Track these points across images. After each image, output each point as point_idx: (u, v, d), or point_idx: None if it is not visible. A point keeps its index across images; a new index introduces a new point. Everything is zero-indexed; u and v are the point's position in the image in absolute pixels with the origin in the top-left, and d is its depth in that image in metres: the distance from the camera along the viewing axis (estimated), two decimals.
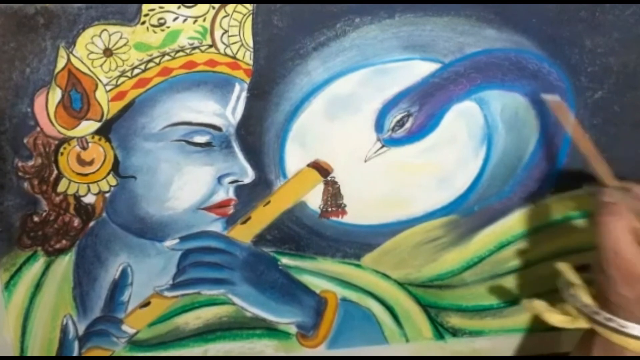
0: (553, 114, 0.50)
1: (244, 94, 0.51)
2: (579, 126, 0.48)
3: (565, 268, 0.48)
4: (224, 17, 0.49)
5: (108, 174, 0.52)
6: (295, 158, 0.52)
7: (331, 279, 0.55)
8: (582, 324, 0.46)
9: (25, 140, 0.50)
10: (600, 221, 0.44)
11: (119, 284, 0.54)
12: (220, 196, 0.53)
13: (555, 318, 0.47)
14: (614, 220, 0.43)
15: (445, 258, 0.55)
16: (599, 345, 0.46)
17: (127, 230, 0.53)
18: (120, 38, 0.49)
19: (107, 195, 0.52)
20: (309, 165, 0.53)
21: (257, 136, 0.52)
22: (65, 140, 0.51)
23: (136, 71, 0.50)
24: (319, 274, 0.55)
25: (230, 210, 0.53)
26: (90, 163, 0.51)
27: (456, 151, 0.53)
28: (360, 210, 0.54)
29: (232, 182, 0.52)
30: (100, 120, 0.50)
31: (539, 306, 0.48)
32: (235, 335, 0.56)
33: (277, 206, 0.53)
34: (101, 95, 0.50)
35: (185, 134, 0.51)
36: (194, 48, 0.50)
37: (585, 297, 0.46)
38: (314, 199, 0.53)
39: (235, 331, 0.56)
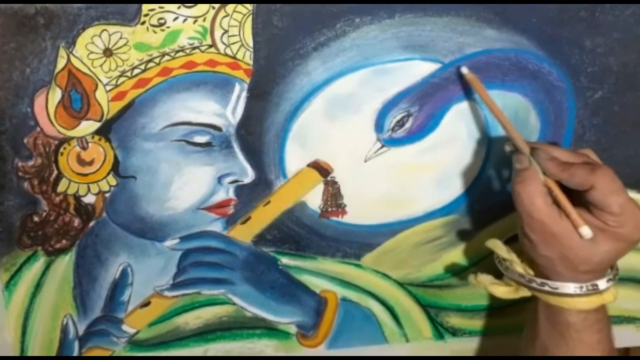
0: (469, 85, 0.50)
1: (244, 94, 0.51)
2: (491, 97, 0.49)
3: (495, 244, 0.50)
4: (224, 17, 0.49)
5: (108, 174, 0.52)
6: (295, 158, 0.52)
7: (331, 278, 0.56)
8: (525, 292, 0.48)
9: (25, 140, 0.50)
10: (514, 189, 0.45)
11: (119, 284, 0.54)
12: (220, 196, 0.53)
13: (499, 290, 0.49)
14: (524, 186, 0.45)
15: (445, 258, 0.55)
16: (542, 311, 0.48)
17: (127, 230, 0.53)
18: (120, 38, 0.49)
19: (107, 195, 0.52)
20: (309, 165, 0.53)
21: (257, 136, 0.52)
22: (65, 140, 0.51)
23: (136, 71, 0.50)
24: (319, 273, 0.55)
25: (230, 210, 0.53)
26: (90, 163, 0.51)
27: (456, 151, 0.53)
28: (360, 210, 0.54)
29: (232, 182, 0.52)
30: (100, 121, 0.50)
31: (484, 280, 0.50)
32: (235, 335, 0.56)
33: (277, 206, 0.53)
34: (101, 96, 0.50)
35: (185, 134, 0.51)
36: (194, 48, 0.50)
37: (518, 268, 0.48)
38: (314, 199, 0.53)
39: (235, 331, 0.56)
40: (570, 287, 0.45)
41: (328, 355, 0.56)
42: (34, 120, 0.50)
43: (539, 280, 0.47)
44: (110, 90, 0.50)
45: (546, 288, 0.46)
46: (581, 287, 0.45)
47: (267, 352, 0.56)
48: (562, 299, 0.46)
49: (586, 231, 0.43)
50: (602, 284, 0.45)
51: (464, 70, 0.50)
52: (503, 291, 0.49)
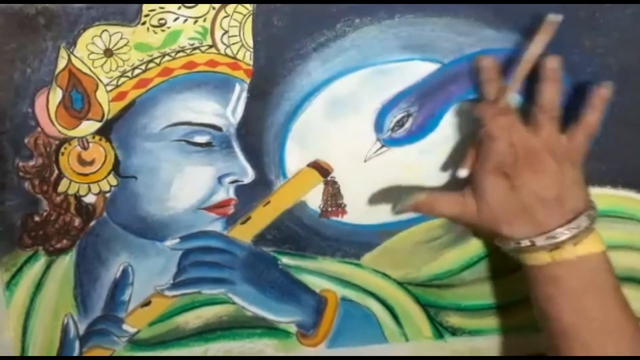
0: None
1: (244, 94, 0.51)
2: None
3: None
4: (224, 17, 0.49)
5: (109, 174, 0.52)
6: (295, 158, 0.53)
7: (331, 278, 0.56)
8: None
9: (26, 140, 0.50)
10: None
11: (120, 284, 0.54)
12: (220, 196, 0.53)
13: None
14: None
15: (445, 258, 0.55)
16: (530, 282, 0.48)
17: (128, 230, 0.53)
18: (121, 38, 0.49)
19: (108, 195, 0.52)
20: (309, 165, 0.53)
21: (257, 136, 0.52)
22: (66, 140, 0.51)
23: (137, 71, 0.50)
24: (319, 273, 0.55)
25: (231, 210, 0.53)
26: (91, 163, 0.51)
27: (456, 151, 0.53)
28: (360, 210, 0.54)
29: (232, 182, 0.53)
30: (100, 121, 0.50)
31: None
32: (235, 334, 0.56)
33: (277, 206, 0.53)
34: (102, 96, 0.50)
35: (185, 134, 0.51)
36: (195, 48, 0.50)
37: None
38: (314, 199, 0.54)
39: (235, 330, 0.56)
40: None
41: (328, 354, 0.56)
42: (35, 120, 0.50)
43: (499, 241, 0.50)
44: (110, 90, 0.50)
45: (504, 248, 0.49)
46: (518, 243, 0.47)
47: (267, 352, 0.56)
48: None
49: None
50: (539, 240, 0.46)
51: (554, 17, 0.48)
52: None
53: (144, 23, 0.49)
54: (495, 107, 0.48)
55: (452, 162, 0.53)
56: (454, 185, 0.54)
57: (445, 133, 0.53)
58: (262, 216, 0.54)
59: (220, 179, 0.52)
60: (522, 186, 0.47)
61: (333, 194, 0.54)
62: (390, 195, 0.54)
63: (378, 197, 0.54)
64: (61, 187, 0.52)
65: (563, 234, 0.46)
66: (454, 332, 0.57)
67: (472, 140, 0.50)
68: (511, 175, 0.47)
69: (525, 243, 0.47)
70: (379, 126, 0.52)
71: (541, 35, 0.48)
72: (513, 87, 0.49)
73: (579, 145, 0.48)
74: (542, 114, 0.48)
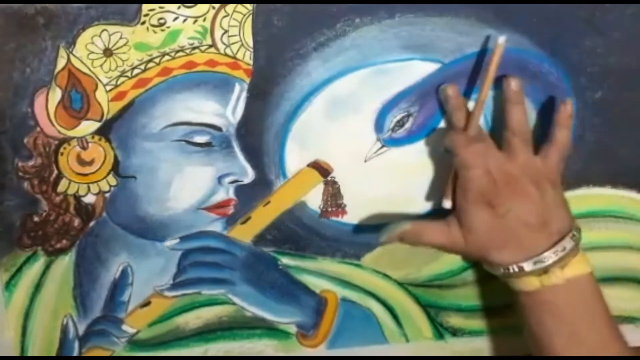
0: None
1: (244, 94, 0.51)
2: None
3: None
4: (224, 17, 0.49)
5: (108, 174, 0.52)
6: (295, 158, 0.52)
7: (331, 278, 0.56)
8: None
9: (25, 140, 0.50)
10: None
11: (119, 284, 0.54)
12: (220, 196, 0.53)
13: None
14: None
15: (445, 258, 0.55)
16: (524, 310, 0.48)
17: (128, 230, 0.53)
18: (120, 38, 0.49)
19: (107, 195, 0.52)
20: (309, 165, 0.53)
21: (257, 136, 0.52)
22: (65, 140, 0.51)
23: (136, 71, 0.50)
24: (319, 273, 0.55)
25: (230, 210, 0.53)
26: (90, 163, 0.51)
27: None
28: (360, 210, 0.54)
29: (232, 182, 0.53)
30: (100, 120, 0.50)
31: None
32: (235, 335, 0.56)
33: (277, 206, 0.53)
34: (101, 95, 0.50)
35: (185, 134, 0.51)
36: (194, 48, 0.50)
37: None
38: (314, 199, 0.53)
39: (235, 331, 0.56)
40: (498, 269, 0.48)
41: (328, 355, 0.56)
42: (34, 120, 0.50)
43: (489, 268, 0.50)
44: (110, 90, 0.50)
45: (495, 273, 0.49)
46: (507, 269, 0.47)
47: (267, 352, 0.56)
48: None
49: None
50: (527, 265, 0.46)
51: (501, 40, 0.48)
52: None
53: (143, 23, 0.49)
54: (466, 135, 0.48)
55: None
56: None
57: (446, 133, 0.53)
58: (262, 216, 0.53)
59: (220, 179, 0.52)
60: (506, 213, 0.47)
61: (333, 194, 0.53)
62: (391, 195, 0.54)
63: (378, 197, 0.54)
64: (60, 187, 0.52)
65: (550, 257, 0.46)
66: (455, 332, 0.57)
67: (449, 170, 0.50)
68: (494, 203, 0.47)
69: (514, 269, 0.47)
70: (379, 126, 0.52)
71: (495, 58, 0.48)
72: (474, 121, 0.48)
73: (555, 165, 0.48)
74: (515, 137, 0.48)
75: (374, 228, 0.54)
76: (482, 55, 0.51)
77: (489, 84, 0.48)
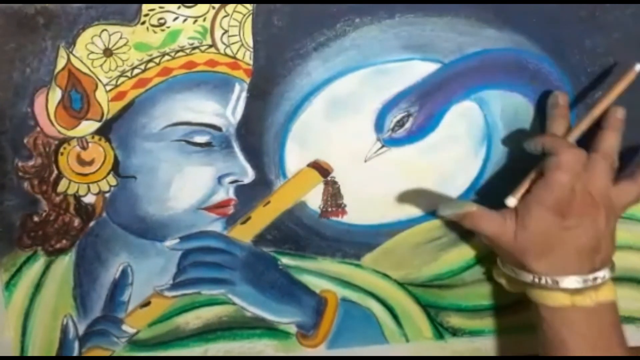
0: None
1: (244, 94, 0.51)
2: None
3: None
4: (224, 17, 0.49)
5: (108, 174, 0.52)
6: (295, 158, 0.52)
7: (331, 278, 0.56)
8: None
9: (25, 140, 0.50)
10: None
11: (119, 284, 0.54)
12: (220, 196, 0.53)
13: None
14: None
15: (445, 258, 0.55)
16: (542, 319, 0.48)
17: (128, 230, 0.53)
18: (120, 38, 0.49)
19: (107, 195, 0.52)
20: (309, 165, 0.53)
21: (257, 136, 0.52)
22: (65, 140, 0.51)
23: (136, 71, 0.50)
24: (319, 273, 0.55)
25: (230, 210, 0.53)
26: (90, 163, 0.51)
27: (456, 151, 0.53)
28: (360, 210, 0.54)
29: (232, 182, 0.53)
30: (100, 120, 0.50)
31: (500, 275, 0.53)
32: (235, 335, 0.56)
33: (277, 206, 0.53)
34: (101, 95, 0.50)
35: (185, 134, 0.51)
36: (194, 48, 0.50)
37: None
38: (314, 199, 0.53)
39: (235, 331, 0.56)
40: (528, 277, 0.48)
41: (328, 355, 0.56)
42: (34, 120, 0.50)
43: (516, 270, 0.49)
44: (110, 90, 0.50)
45: (520, 278, 0.49)
46: (539, 279, 0.47)
47: (267, 352, 0.56)
48: (534, 290, 0.48)
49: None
50: (563, 281, 0.46)
51: (637, 67, 0.48)
52: (504, 283, 0.52)
53: (143, 23, 0.49)
54: (568, 142, 0.48)
55: (452, 162, 0.53)
56: (454, 185, 0.54)
57: (445, 133, 0.53)
58: (262, 216, 0.53)
59: (220, 179, 0.52)
60: (570, 228, 0.46)
61: (333, 194, 0.53)
62: (391, 195, 0.54)
63: (378, 197, 0.54)
64: (60, 187, 0.52)
65: (588, 280, 0.46)
66: (455, 332, 0.57)
67: (528, 169, 0.49)
68: (564, 213, 0.46)
69: (547, 280, 0.47)
70: (379, 126, 0.52)
71: (625, 82, 0.48)
72: (577, 131, 0.49)
73: (628, 201, 0.48)
74: (604, 161, 0.47)
75: (374, 228, 0.54)
76: (483, 55, 0.51)
77: (607, 104, 0.49)
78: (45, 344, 0.55)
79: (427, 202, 0.54)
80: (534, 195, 0.47)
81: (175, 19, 0.49)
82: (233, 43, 0.50)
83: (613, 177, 0.48)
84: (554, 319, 0.47)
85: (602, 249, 0.47)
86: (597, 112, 0.49)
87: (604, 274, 0.47)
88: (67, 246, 0.53)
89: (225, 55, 0.50)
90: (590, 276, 0.46)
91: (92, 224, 0.53)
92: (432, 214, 0.54)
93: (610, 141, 0.48)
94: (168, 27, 0.49)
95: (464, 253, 0.55)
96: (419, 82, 0.51)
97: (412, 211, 0.54)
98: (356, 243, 0.55)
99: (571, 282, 0.46)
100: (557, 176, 0.46)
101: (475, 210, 0.49)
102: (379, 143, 0.53)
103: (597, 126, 0.49)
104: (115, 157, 0.51)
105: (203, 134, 0.51)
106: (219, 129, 0.51)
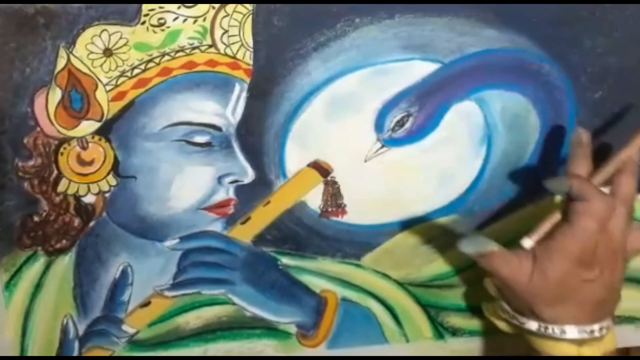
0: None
1: (244, 94, 0.51)
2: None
3: (487, 282, 0.51)
4: (224, 17, 0.49)
5: (108, 174, 0.52)
6: (295, 158, 0.52)
7: (331, 278, 0.56)
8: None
9: (25, 141, 0.50)
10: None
11: (119, 284, 0.54)
12: (220, 196, 0.53)
13: (499, 324, 0.51)
14: None
15: (445, 258, 0.55)
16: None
17: (128, 230, 0.53)
18: (120, 38, 0.49)
19: (108, 195, 0.52)
20: (309, 165, 0.53)
21: (257, 136, 0.52)
22: (65, 140, 0.51)
23: (136, 71, 0.50)
24: (319, 273, 0.55)
25: (230, 210, 0.53)
26: (90, 163, 0.51)
27: (456, 151, 0.53)
28: (360, 210, 0.54)
29: (232, 182, 0.52)
30: (100, 120, 0.50)
31: (489, 310, 0.52)
32: (235, 335, 0.56)
33: (277, 206, 0.53)
34: (101, 95, 0.50)
35: (185, 134, 0.51)
36: (194, 48, 0.50)
37: (504, 305, 0.49)
38: (314, 199, 0.53)
39: (235, 331, 0.56)
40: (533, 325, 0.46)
41: (328, 355, 0.56)
42: (34, 120, 0.50)
43: (520, 317, 0.47)
44: (110, 90, 0.50)
45: (525, 326, 0.47)
46: (546, 328, 0.46)
47: (267, 352, 0.56)
48: (536, 339, 0.47)
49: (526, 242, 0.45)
50: (575, 331, 0.45)
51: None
52: (501, 325, 0.51)
53: (143, 23, 0.49)
54: (598, 188, 0.44)
55: (452, 162, 0.53)
56: (454, 185, 0.54)
57: (445, 133, 0.53)
58: (262, 216, 0.53)
59: (220, 179, 0.52)
60: (589, 281, 0.44)
61: (333, 194, 0.53)
62: (391, 195, 0.54)
63: (378, 197, 0.54)
64: (60, 187, 0.52)
65: (594, 330, 0.45)
66: (455, 332, 0.57)
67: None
68: (586, 264, 0.44)
69: (554, 330, 0.45)
70: (379, 126, 0.52)
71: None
72: (603, 175, 0.46)
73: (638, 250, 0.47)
74: (623, 208, 0.45)
75: (374, 228, 0.54)
76: (483, 55, 0.51)
77: (634, 150, 0.47)
78: (45, 344, 0.55)
79: (427, 202, 0.54)
80: (558, 242, 0.44)
81: (175, 19, 0.49)
82: (233, 43, 0.50)
83: (631, 223, 0.46)
84: None
85: (610, 301, 0.46)
86: (623, 156, 0.46)
87: (608, 323, 0.46)
88: (67, 246, 0.53)
89: (225, 55, 0.50)
90: (596, 326, 0.45)
91: (92, 224, 0.53)
92: (432, 214, 0.54)
93: (629, 186, 0.46)
94: (168, 27, 0.49)
95: (464, 253, 0.55)
96: (419, 82, 0.51)
97: (412, 211, 0.54)
98: (356, 243, 0.55)
99: (578, 332, 0.45)
100: (586, 224, 0.43)
101: (497, 251, 0.46)
102: (379, 143, 0.53)
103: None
104: (115, 157, 0.51)
105: (203, 134, 0.51)
106: (219, 129, 0.51)
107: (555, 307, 0.45)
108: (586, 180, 0.45)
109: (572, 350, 0.45)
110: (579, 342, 0.45)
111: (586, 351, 0.45)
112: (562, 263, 0.44)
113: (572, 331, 0.45)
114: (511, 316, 0.48)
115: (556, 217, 0.46)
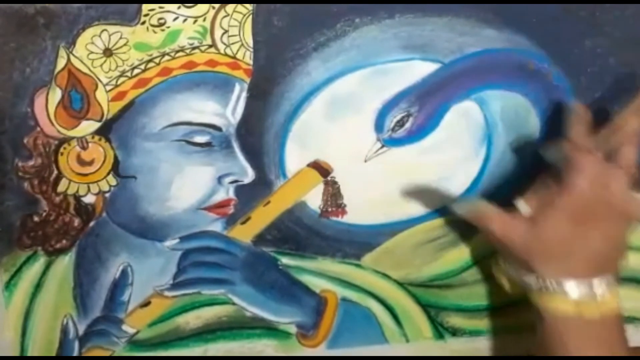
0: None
1: (244, 94, 0.51)
2: None
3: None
4: (224, 17, 0.49)
5: (108, 174, 0.52)
6: (295, 158, 0.52)
7: (331, 278, 0.56)
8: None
9: (25, 141, 0.50)
10: None
11: (119, 284, 0.54)
12: (220, 196, 0.53)
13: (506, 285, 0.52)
14: None
15: (445, 258, 0.55)
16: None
17: (128, 230, 0.53)
18: (120, 38, 0.49)
19: (107, 195, 0.52)
20: (309, 165, 0.53)
21: (257, 136, 0.52)
22: (65, 140, 0.51)
23: (136, 71, 0.50)
24: (319, 273, 0.55)
25: (230, 210, 0.53)
26: (90, 163, 0.51)
27: (456, 151, 0.53)
28: (360, 210, 0.54)
29: (232, 182, 0.53)
30: (100, 120, 0.50)
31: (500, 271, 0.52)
32: (235, 335, 0.56)
33: (277, 206, 0.53)
34: (101, 95, 0.50)
35: (185, 134, 0.51)
36: (194, 48, 0.50)
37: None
38: (314, 199, 0.53)
39: (235, 331, 0.56)
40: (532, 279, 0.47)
41: (328, 355, 0.56)
42: (34, 120, 0.50)
43: (519, 271, 0.48)
44: (110, 90, 0.50)
45: (525, 280, 0.48)
46: (543, 281, 0.46)
47: (267, 352, 0.56)
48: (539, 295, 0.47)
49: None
50: (573, 284, 0.45)
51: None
52: (507, 286, 0.52)
53: (143, 23, 0.49)
54: (588, 148, 0.46)
55: (452, 162, 0.53)
56: (453, 187, 0.54)
57: (445, 133, 0.53)
58: (262, 216, 0.53)
59: (220, 179, 0.52)
60: (583, 235, 0.45)
61: (333, 194, 0.53)
62: (391, 195, 0.54)
63: (378, 197, 0.54)
64: (60, 187, 0.52)
65: (593, 284, 0.45)
66: (455, 332, 0.57)
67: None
68: (579, 221, 0.45)
69: (551, 283, 0.45)
70: (379, 126, 0.52)
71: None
72: (599, 139, 0.47)
73: None
74: (622, 170, 0.46)
75: (374, 228, 0.54)
76: (483, 55, 0.51)
77: (630, 114, 0.48)
78: (45, 344, 0.55)
79: (427, 202, 0.54)
80: (551, 200, 0.46)
81: (175, 19, 0.49)
82: (233, 43, 0.50)
83: (631, 187, 0.46)
84: (558, 328, 0.46)
85: (611, 258, 0.46)
86: (620, 122, 0.47)
87: (609, 279, 0.46)
88: (67, 246, 0.53)
89: (225, 55, 0.50)
90: (596, 280, 0.45)
91: (92, 224, 0.53)
92: (432, 214, 0.54)
93: (629, 153, 0.46)
94: (168, 27, 0.49)
95: (464, 253, 0.55)
96: (419, 82, 0.51)
97: (412, 211, 0.54)
98: (356, 243, 0.55)
99: (576, 286, 0.45)
100: (577, 182, 0.45)
101: (488, 210, 0.48)
102: (379, 143, 0.53)
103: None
104: (115, 157, 0.51)
105: (203, 134, 0.51)
106: (219, 129, 0.51)
107: (552, 263, 0.46)
108: (577, 143, 0.47)
109: (570, 308, 0.45)
110: (577, 303, 0.45)
111: (585, 311, 0.45)
112: (556, 220, 0.45)
113: (570, 285, 0.45)
114: (512, 270, 0.49)
115: (548, 177, 0.47)
